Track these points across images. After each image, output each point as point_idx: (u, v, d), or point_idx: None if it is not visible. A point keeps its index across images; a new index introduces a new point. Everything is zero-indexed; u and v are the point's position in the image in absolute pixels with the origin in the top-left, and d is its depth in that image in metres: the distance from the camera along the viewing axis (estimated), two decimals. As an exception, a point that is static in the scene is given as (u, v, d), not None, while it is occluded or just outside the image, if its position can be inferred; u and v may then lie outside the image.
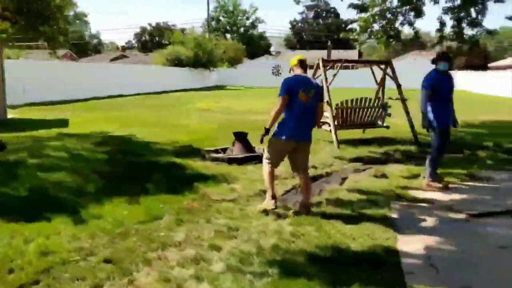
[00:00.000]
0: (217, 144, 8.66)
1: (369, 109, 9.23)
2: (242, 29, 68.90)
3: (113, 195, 5.13)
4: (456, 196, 5.37)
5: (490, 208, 4.81)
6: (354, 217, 4.51)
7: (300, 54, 7.13)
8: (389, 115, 9.57)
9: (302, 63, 4.74)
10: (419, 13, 10.74)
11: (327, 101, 8.67)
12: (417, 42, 11.74)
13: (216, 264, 3.37)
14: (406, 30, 11.66)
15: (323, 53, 59.14)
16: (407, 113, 9.45)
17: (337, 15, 70.46)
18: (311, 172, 6.59)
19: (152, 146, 8.48)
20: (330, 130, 8.91)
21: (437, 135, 5.78)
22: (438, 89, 5.69)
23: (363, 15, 10.56)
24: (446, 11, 10.83)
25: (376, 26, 10.86)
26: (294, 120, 4.54)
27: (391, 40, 10.98)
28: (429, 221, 4.51)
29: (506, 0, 10.39)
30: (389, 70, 9.57)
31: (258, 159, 7.10)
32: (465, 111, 14.73)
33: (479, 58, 47.40)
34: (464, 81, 36.56)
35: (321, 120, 9.32)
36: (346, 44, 64.61)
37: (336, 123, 8.86)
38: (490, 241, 3.95)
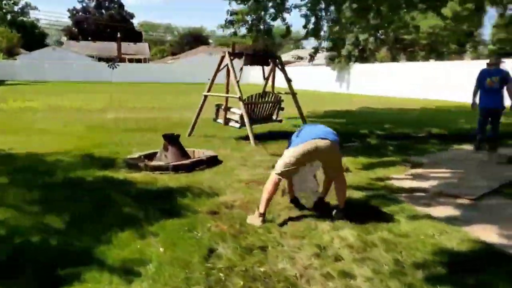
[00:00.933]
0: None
1: (269, 104, 9.18)
2: (9, 16, 59.76)
3: (106, 230, 3.82)
4: (432, 182, 5.73)
5: (475, 191, 5.30)
6: (392, 215, 4.41)
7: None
8: (282, 109, 9.71)
9: None
10: (283, 7, 10.96)
11: (239, 97, 8.28)
12: (288, 38, 12.04)
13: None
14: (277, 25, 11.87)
15: (111, 45, 56.42)
16: (299, 107, 9.75)
17: (121, 5, 67.69)
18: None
19: (43, 159, 6.65)
20: (240, 127, 8.57)
21: None
22: None
23: (242, 7, 10.37)
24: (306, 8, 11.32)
25: (249, 20, 10.81)
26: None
27: (260, 34, 11.08)
28: (450, 210, 4.69)
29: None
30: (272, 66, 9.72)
31: (204, 164, 6.33)
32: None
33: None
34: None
35: (228, 117, 8.95)
36: (134, 37, 63.01)
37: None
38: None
